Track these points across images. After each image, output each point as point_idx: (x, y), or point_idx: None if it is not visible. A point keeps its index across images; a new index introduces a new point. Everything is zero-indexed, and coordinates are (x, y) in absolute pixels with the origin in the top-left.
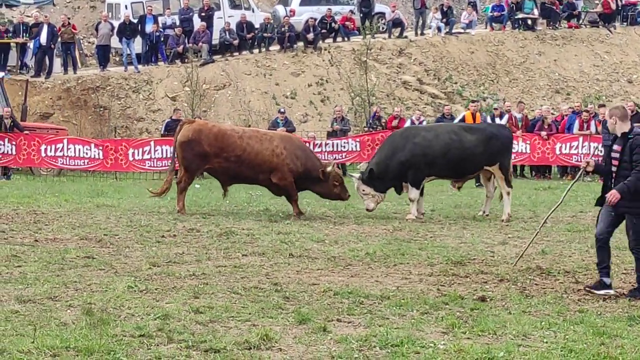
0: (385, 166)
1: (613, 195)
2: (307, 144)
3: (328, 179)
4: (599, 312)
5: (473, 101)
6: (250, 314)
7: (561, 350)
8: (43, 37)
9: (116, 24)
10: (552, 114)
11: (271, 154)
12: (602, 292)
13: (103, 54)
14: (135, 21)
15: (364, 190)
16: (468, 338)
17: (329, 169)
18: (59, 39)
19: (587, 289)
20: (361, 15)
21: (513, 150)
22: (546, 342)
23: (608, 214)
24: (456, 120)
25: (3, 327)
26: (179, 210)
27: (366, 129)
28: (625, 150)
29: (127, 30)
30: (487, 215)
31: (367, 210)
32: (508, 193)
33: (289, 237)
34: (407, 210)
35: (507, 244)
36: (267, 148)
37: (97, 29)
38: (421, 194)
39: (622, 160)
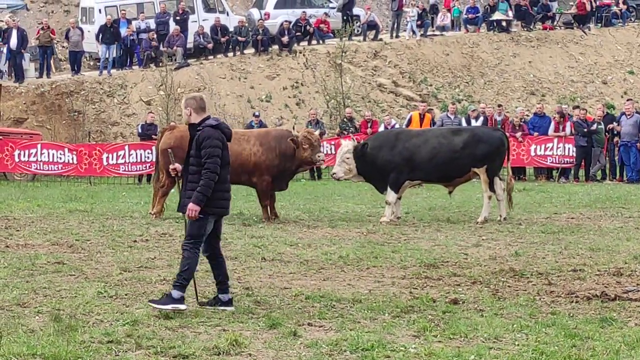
0: (373, 156)
1: (192, 210)
2: None
3: (299, 146)
4: (571, 314)
5: (423, 102)
6: (220, 319)
7: (532, 353)
8: (13, 42)
9: (87, 28)
10: (527, 115)
11: (249, 154)
12: (169, 306)
13: (75, 59)
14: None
15: (347, 158)
16: (439, 341)
17: (298, 134)
18: (38, 42)
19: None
20: (344, 18)
21: None
22: (517, 345)
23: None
24: (404, 124)
25: None
26: (155, 213)
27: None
28: (193, 144)
29: (107, 34)
30: (505, 219)
31: (333, 175)
32: (489, 197)
33: (262, 241)
34: (381, 213)
35: (481, 246)
36: (245, 148)
37: (67, 37)
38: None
39: (189, 154)
